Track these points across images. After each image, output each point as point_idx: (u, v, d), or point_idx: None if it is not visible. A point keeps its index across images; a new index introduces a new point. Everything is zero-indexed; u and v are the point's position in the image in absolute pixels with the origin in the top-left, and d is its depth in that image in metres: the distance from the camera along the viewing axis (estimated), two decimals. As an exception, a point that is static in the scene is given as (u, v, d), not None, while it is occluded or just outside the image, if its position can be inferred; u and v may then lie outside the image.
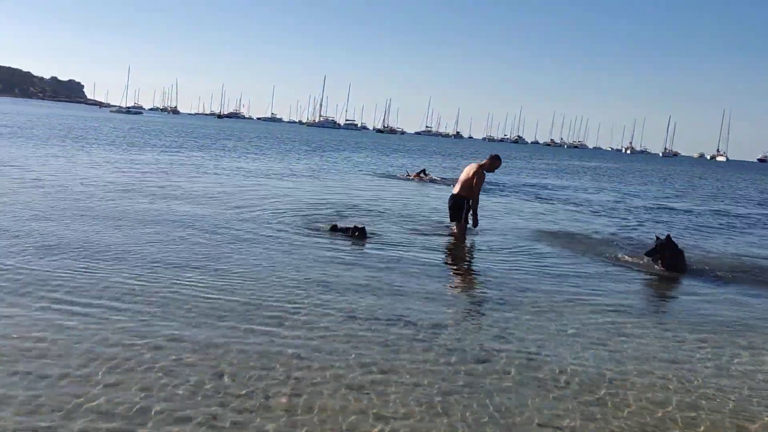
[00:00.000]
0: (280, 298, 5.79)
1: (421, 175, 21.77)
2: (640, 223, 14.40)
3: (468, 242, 9.59)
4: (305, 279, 6.55)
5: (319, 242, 8.60)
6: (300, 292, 6.07)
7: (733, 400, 4.24)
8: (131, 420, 3.35)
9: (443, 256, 8.90)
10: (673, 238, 8.67)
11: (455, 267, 8.31)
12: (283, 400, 3.70)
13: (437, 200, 15.01)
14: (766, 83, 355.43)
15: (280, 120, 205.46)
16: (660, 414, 3.93)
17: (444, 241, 9.71)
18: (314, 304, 5.67)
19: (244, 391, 3.78)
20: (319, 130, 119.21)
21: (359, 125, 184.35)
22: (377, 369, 4.24)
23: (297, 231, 9.34)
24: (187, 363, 4.11)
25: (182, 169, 19.19)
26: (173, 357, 4.19)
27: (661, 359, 4.96)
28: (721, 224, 15.65)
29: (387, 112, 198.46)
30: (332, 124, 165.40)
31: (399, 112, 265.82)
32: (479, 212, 9.92)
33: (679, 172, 55.64)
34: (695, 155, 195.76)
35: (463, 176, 9.88)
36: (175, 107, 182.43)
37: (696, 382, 4.51)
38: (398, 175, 22.91)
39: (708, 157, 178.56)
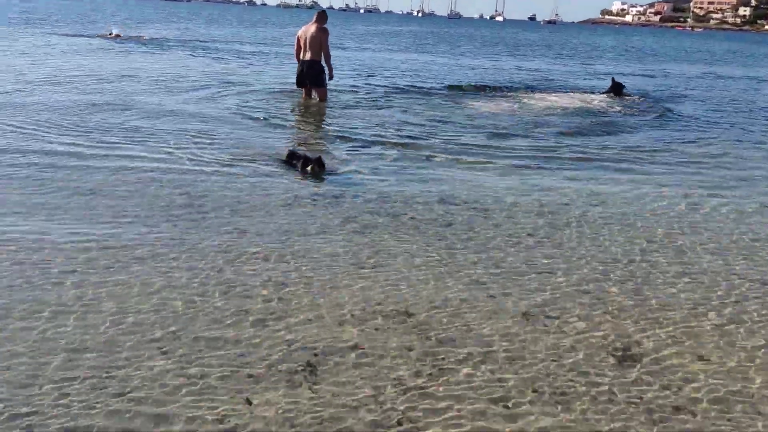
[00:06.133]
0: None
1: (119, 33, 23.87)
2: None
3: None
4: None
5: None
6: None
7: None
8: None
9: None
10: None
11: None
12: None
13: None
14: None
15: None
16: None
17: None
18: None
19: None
20: None
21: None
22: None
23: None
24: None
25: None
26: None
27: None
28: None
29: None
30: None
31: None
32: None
33: (487, 35, 58.82)
34: (476, 16, 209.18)
35: (308, 41, 9.92)
36: None
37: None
38: (104, 34, 24.10)
39: (488, 18, 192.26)
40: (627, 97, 12.80)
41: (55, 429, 2.47)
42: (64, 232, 4.42)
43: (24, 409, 2.57)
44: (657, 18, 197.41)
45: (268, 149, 7.13)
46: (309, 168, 6.12)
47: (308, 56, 10.01)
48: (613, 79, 13.55)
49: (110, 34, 23.58)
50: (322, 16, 10.26)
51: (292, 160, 6.38)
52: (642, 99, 12.88)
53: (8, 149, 6.54)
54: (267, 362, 2.99)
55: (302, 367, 2.96)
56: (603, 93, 13.06)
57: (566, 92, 13.56)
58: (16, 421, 2.50)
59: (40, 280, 3.68)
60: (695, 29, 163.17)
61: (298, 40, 10.10)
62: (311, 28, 9.99)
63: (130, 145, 6.95)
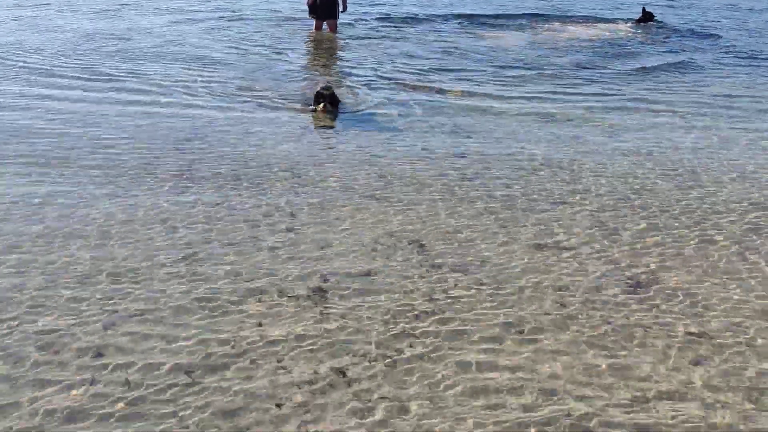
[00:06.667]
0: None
1: None
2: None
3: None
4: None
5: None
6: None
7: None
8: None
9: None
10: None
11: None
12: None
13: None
14: None
15: None
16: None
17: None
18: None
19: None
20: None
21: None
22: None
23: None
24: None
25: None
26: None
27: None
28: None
29: None
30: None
31: None
32: None
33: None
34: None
35: None
36: None
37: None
38: None
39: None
40: (659, 29, 12.25)
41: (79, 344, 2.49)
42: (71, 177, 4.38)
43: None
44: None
45: (275, 84, 6.93)
46: (321, 106, 5.83)
47: None
48: (643, 9, 12.98)
49: None
50: None
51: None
52: (673, 30, 12.30)
53: (8, 93, 6.43)
54: (277, 287, 2.97)
55: (313, 292, 2.95)
56: (632, 22, 12.52)
57: (589, 22, 12.98)
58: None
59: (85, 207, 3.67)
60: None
61: None
62: None
63: (128, 82, 6.62)
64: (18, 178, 4.07)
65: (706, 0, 21.84)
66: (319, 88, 6.04)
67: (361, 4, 14.33)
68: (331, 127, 5.57)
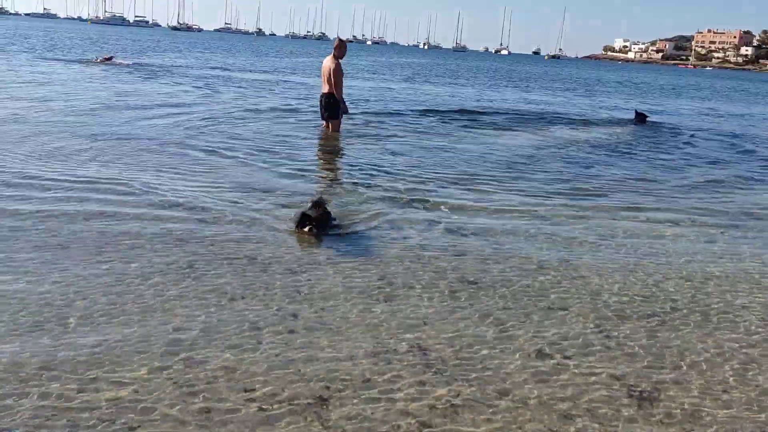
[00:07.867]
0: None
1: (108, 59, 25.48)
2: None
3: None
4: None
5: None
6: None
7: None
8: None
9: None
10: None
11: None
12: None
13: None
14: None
15: (55, 16, 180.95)
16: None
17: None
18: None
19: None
20: (106, 28, 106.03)
21: (151, 22, 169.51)
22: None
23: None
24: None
25: None
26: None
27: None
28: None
29: (182, 7, 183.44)
30: (120, 21, 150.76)
31: (194, 8, 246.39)
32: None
33: (506, 69, 59.41)
34: (481, 49, 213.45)
35: (325, 74, 9.89)
36: None
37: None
38: (93, 59, 25.26)
39: (493, 51, 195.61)
40: (651, 130, 12.83)
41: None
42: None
43: None
44: (659, 56, 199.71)
45: (271, 189, 6.68)
46: (306, 229, 5.21)
47: (326, 89, 9.96)
48: (636, 111, 13.90)
49: (96, 59, 24.97)
50: (339, 47, 9.85)
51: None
52: (665, 133, 12.83)
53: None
54: (278, 397, 2.92)
55: (314, 401, 2.89)
56: (628, 124, 13.23)
57: (586, 124, 13.49)
58: None
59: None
60: (697, 67, 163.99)
61: (322, 72, 10.01)
62: (328, 61, 9.85)
63: (122, 185, 6.41)
64: None
65: (681, 107, 22.69)
66: (306, 208, 5.39)
67: (367, 106, 14.78)
68: (315, 252, 4.95)
